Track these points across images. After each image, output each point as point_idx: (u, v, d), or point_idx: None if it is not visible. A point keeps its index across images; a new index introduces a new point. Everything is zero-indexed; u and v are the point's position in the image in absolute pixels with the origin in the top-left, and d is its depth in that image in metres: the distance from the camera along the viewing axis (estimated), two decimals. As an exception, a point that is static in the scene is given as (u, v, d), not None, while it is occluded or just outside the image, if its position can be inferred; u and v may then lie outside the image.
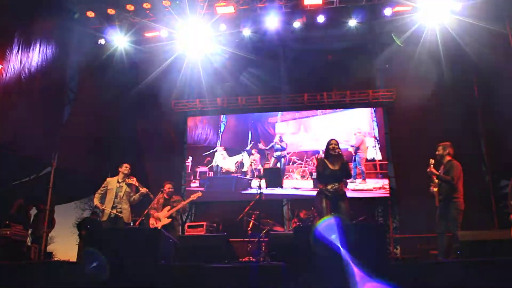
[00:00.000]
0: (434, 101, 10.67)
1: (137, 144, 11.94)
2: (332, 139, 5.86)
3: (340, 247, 3.95)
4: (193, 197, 7.73)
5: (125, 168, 7.10)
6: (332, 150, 5.73)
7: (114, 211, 6.82)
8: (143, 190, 7.05)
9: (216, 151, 11.64)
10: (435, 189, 6.04)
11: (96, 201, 7.03)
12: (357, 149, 10.83)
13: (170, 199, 7.62)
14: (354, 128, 11.02)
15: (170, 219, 7.42)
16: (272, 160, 11.26)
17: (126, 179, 7.07)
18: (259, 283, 4.13)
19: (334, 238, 3.99)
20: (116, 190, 6.92)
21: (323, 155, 6.05)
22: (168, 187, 7.68)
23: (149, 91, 12.24)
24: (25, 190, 9.91)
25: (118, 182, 7.02)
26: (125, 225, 6.84)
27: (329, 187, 5.65)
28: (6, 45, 8.54)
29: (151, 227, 7.52)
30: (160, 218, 7.43)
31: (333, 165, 5.72)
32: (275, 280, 4.13)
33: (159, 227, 7.33)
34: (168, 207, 7.47)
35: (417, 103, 10.74)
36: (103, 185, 7.11)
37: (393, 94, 10.85)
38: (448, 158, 6.14)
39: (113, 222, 6.80)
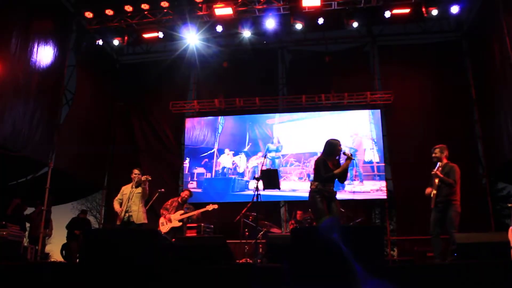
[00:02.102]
0: (431, 102, 10.72)
1: (135, 145, 11.93)
2: (336, 139, 5.85)
3: (343, 246, 3.95)
4: (209, 207, 8.04)
5: (134, 174, 7.16)
6: (334, 151, 5.75)
7: (127, 214, 6.93)
8: (143, 178, 7.07)
9: (221, 153, 11.60)
10: (434, 191, 6.04)
11: (117, 206, 7.10)
12: (355, 151, 10.84)
13: (183, 205, 8.01)
14: (352, 129, 11.00)
15: (180, 223, 7.78)
16: (268, 161, 11.24)
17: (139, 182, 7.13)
18: (258, 285, 4.12)
19: (337, 237, 3.98)
20: (129, 195, 7.03)
21: (322, 156, 5.99)
22: (186, 193, 8.13)
23: (147, 92, 12.27)
24: (22, 191, 9.89)
25: (132, 188, 7.13)
26: (136, 226, 6.89)
27: (327, 187, 5.66)
28: (4, 45, 8.52)
29: (160, 226, 7.72)
30: (172, 219, 7.76)
31: (334, 166, 5.74)
32: (273, 282, 4.13)
33: (168, 228, 7.64)
34: (181, 211, 7.82)
35: (415, 105, 10.81)
36: (120, 193, 7.25)
37: (391, 96, 10.88)
38: (445, 160, 6.17)
39: (126, 224, 6.93)
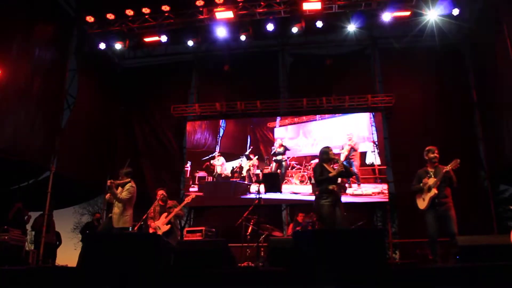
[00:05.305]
0: (433, 105, 10.72)
1: (137, 149, 11.94)
2: (327, 147, 6.21)
3: None
4: (188, 199, 7.64)
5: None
6: (332, 155, 6.04)
7: (109, 215, 6.93)
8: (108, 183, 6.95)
9: (213, 157, 11.61)
10: (435, 191, 5.96)
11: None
12: (351, 153, 10.83)
13: (165, 205, 7.49)
14: (350, 132, 10.99)
15: (169, 225, 7.34)
16: (273, 164, 11.24)
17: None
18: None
19: None
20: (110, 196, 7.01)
21: (318, 162, 6.25)
22: (160, 193, 7.54)
23: (148, 96, 12.29)
24: (23, 195, 9.89)
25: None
26: (115, 229, 6.76)
27: (330, 190, 5.80)
28: (5, 50, 8.54)
29: None
30: (159, 226, 7.31)
31: (332, 168, 5.94)
32: (275, 285, 4.12)
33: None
34: (165, 214, 7.37)
35: (416, 108, 10.80)
36: None
37: (392, 98, 10.87)
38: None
39: (108, 226, 6.91)
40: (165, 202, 7.53)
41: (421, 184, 6.09)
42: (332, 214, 5.72)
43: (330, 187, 5.83)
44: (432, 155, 6.15)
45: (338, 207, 5.84)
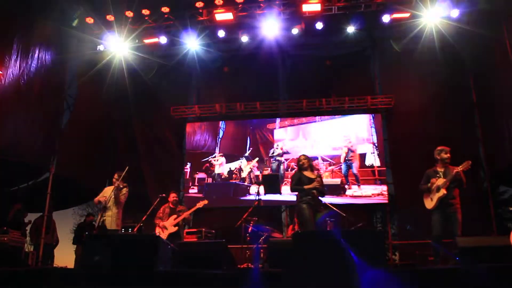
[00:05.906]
0: (432, 106, 10.72)
1: (136, 150, 11.92)
2: (303, 155, 6.48)
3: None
4: (199, 205, 7.87)
5: (114, 179, 7.02)
6: (303, 165, 6.30)
7: (103, 219, 6.87)
8: (116, 184, 6.89)
9: (214, 156, 11.62)
10: (444, 191, 5.96)
11: (96, 199, 7.07)
12: (349, 155, 10.83)
13: (176, 208, 7.73)
14: (350, 134, 11.00)
15: (176, 228, 7.51)
16: (274, 165, 11.23)
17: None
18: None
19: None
20: (108, 199, 6.93)
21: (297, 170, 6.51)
22: (173, 196, 7.83)
23: (148, 97, 12.27)
24: (23, 196, 9.89)
25: (112, 191, 7.00)
26: (109, 231, 6.74)
27: (309, 196, 6.02)
28: (5, 51, 8.54)
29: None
30: (166, 226, 7.51)
31: (310, 175, 6.20)
32: (274, 287, 4.11)
33: (165, 236, 7.40)
34: (175, 216, 7.58)
35: (416, 109, 10.80)
36: (102, 193, 7.15)
37: (392, 100, 10.87)
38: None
39: (100, 229, 6.85)
40: (176, 205, 7.82)
41: (429, 184, 6.09)
42: (313, 218, 5.85)
43: (309, 197, 6.04)
44: (445, 156, 6.16)
45: (319, 211, 5.98)
